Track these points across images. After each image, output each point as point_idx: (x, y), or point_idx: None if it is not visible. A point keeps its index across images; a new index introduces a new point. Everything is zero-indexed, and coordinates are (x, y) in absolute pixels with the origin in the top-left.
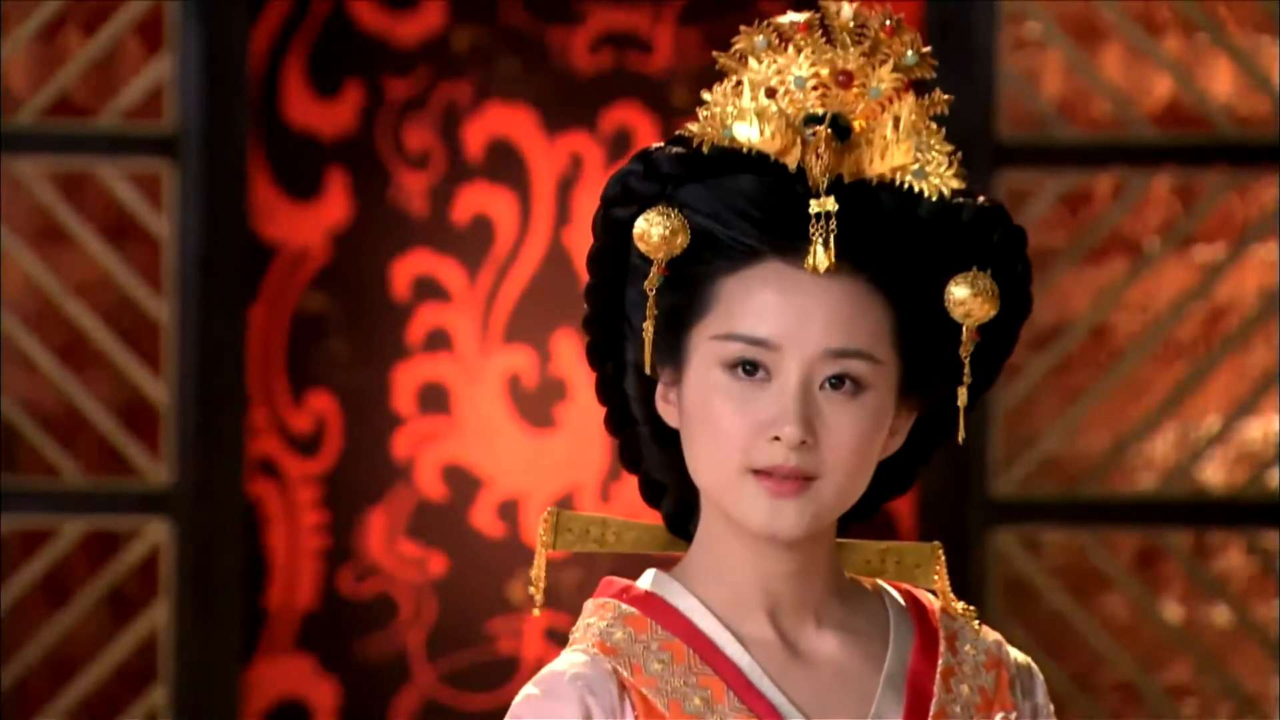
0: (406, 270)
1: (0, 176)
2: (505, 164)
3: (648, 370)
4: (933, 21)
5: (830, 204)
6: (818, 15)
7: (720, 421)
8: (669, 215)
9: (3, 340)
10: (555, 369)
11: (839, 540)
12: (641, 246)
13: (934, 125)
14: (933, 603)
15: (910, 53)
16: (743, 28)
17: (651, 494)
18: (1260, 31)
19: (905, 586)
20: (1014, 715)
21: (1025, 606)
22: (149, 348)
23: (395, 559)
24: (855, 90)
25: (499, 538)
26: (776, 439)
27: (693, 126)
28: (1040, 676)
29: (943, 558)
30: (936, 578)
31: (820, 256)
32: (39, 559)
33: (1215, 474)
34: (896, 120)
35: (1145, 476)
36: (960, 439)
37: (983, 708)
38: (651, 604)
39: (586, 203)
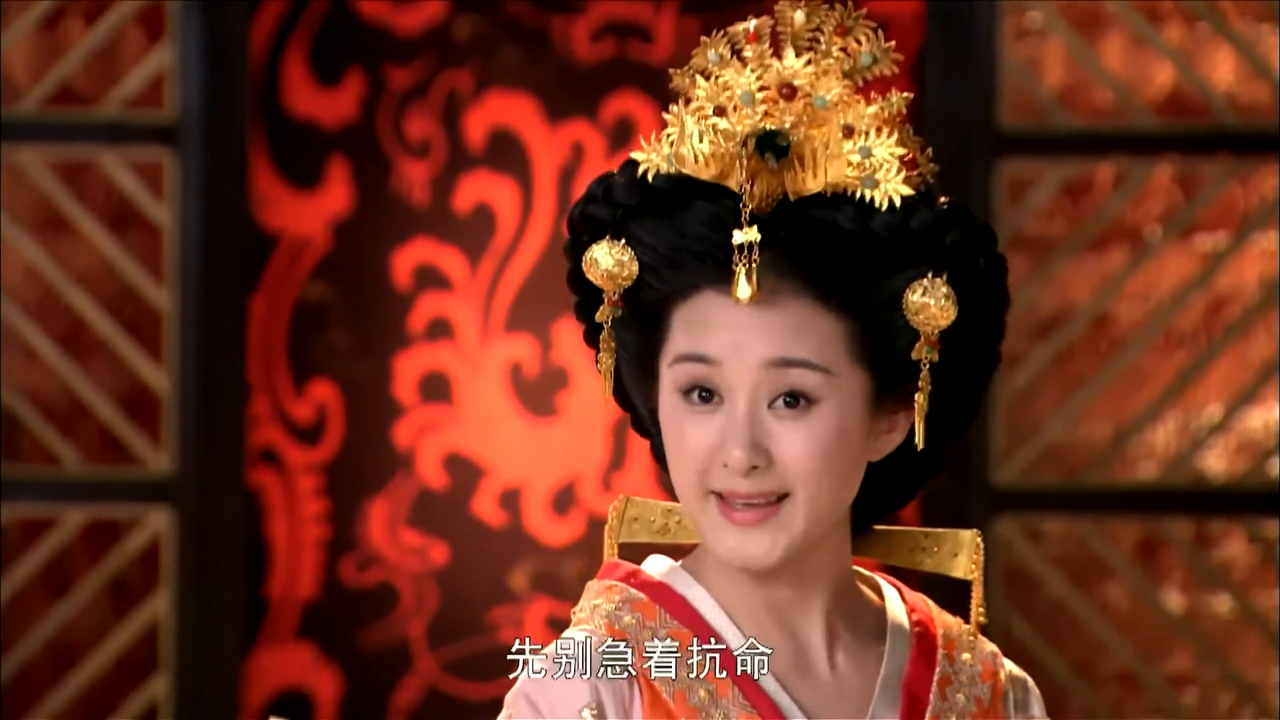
0: (408, 259)
1: (1, 165)
2: (507, 153)
3: (605, 398)
4: (934, 12)
5: (752, 234)
6: (769, 21)
7: (681, 446)
8: (614, 248)
9: (4, 329)
10: (556, 358)
11: (882, 528)
12: (591, 279)
13: (887, 129)
14: (930, 610)
15: (866, 52)
16: (703, 38)
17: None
18: (1261, 20)
19: (905, 591)
20: None
21: (1026, 595)
22: (150, 336)
23: (397, 548)
24: (801, 101)
25: (501, 527)
26: (722, 463)
27: (637, 154)
28: (1036, 691)
29: (981, 546)
30: (974, 567)
31: (742, 289)
32: (40, 548)
33: (1216, 463)
34: (849, 130)
35: (1146, 465)
36: (920, 444)
37: (978, 717)
38: (660, 591)
39: None
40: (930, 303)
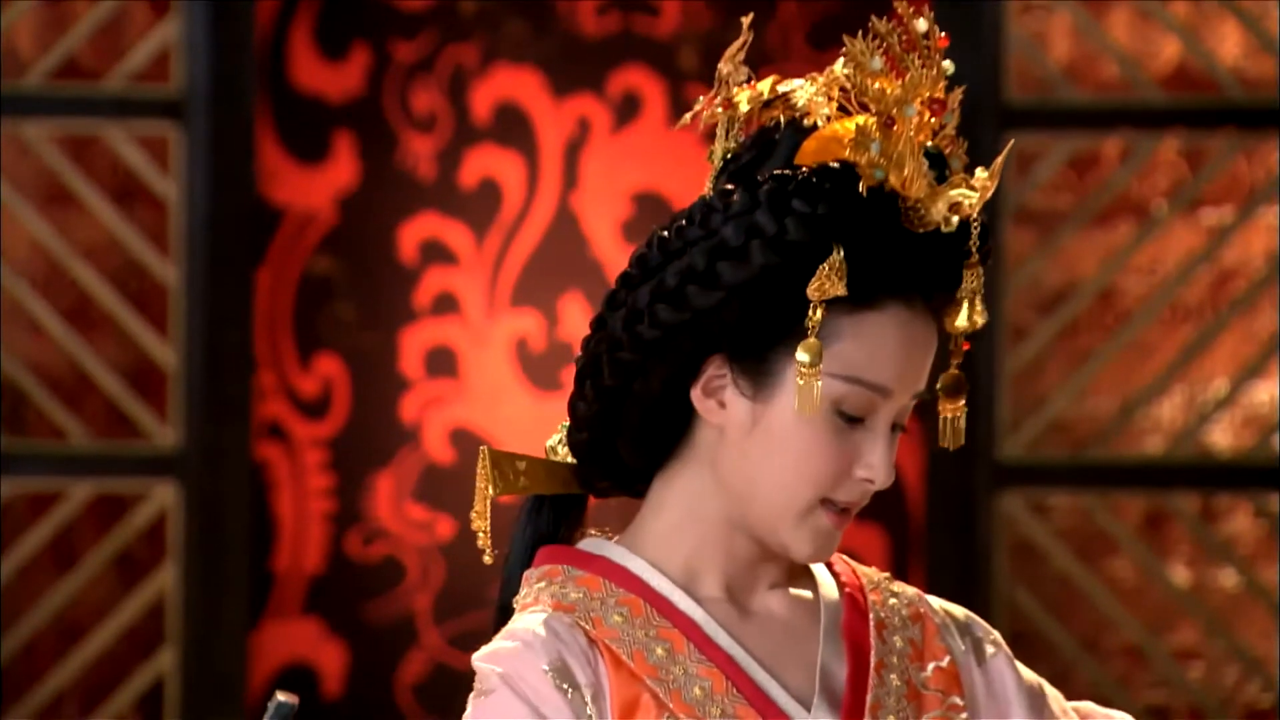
0: (414, 233)
1: (7, 139)
2: (512, 127)
3: (810, 412)
4: None
5: (978, 261)
6: (905, 30)
7: (814, 456)
8: (844, 265)
9: (11, 303)
10: (562, 332)
11: None
12: (814, 295)
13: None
14: (850, 564)
15: (949, 63)
16: (848, 38)
17: (587, 448)
18: None
19: None
20: (946, 660)
21: (1032, 569)
22: (156, 311)
23: (403, 522)
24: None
25: (507, 500)
26: (866, 480)
27: (839, 164)
28: (977, 618)
29: None
30: None
31: (977, 318)
32: (46, 522)
33: (1222, 437)
34: (951, 145)
35: (1152, 439)
36: (953, 445)
37: (914, 658)
38: (601, 565)
39: (594, 166)
40: (981, 310)
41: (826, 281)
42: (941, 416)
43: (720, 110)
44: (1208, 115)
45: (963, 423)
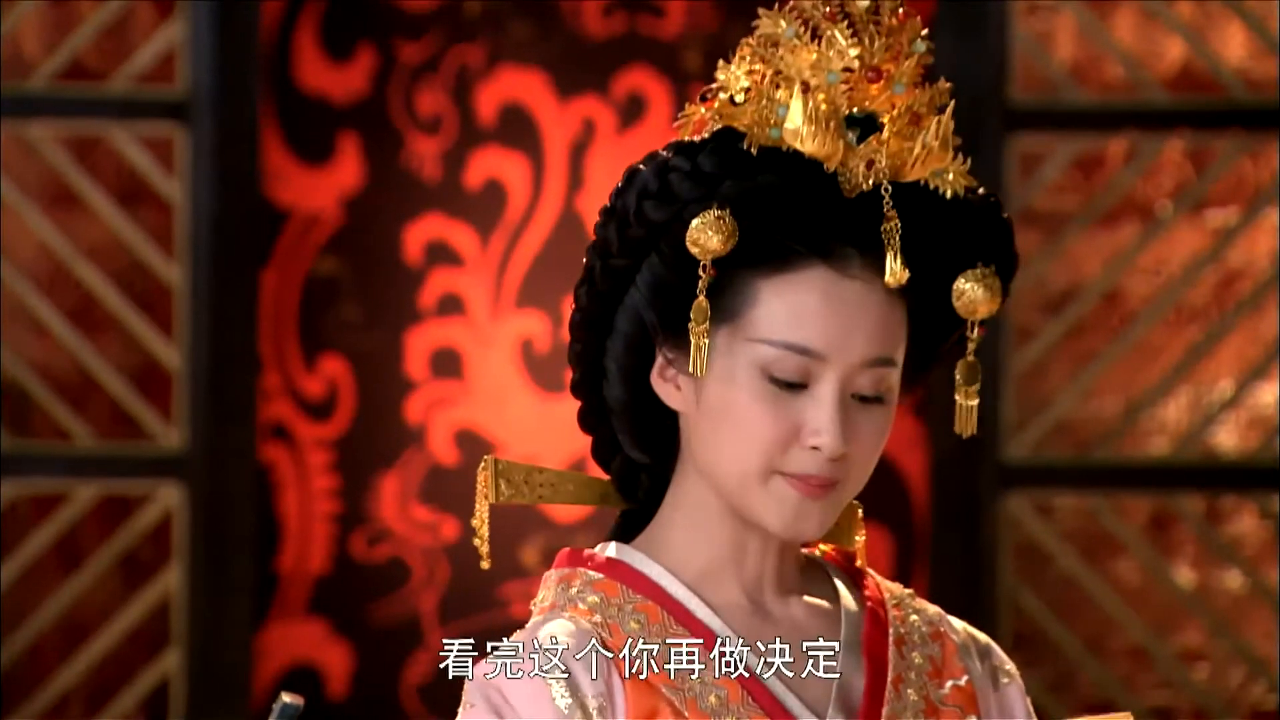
0: (419, 234)
1: (12, 141)
2: (517, 128)
3: (698, 372)
4: None
5: (895, 219)
6: (837, 1)
7: (751, 424)
8: (724, 220)
9: (15, 304)
10: (567, 333)
11: None
12: (694, 250)
13: (940, 116)
14: (874, 576)
15: (919, 40)
16: (762, 11)
17: (604, 454)
18: None
19: (845, 558)
20: (964, 680)
21: (1037, 571)
22: (161, 311)
23: (408, 523)
24: (879, 85)
25: (510, 508)
26: (814, 448)
27: (740, 125)
28: (996, 645)
29: (861, 515)
30: (859, 537)
31: (896, 273)
32: (51, 523)
33: (1227, 438)
34: (916, 116)
35: (1157, 441)
36: (969, 432)
37: (933, 675)
38: (618, 570)
39: (599, 167)
40: (987, 293)
41: (700, 234)
42: (957, 403)
43: (704, 111)
44: (1212, 116)
45: (973, 411)
